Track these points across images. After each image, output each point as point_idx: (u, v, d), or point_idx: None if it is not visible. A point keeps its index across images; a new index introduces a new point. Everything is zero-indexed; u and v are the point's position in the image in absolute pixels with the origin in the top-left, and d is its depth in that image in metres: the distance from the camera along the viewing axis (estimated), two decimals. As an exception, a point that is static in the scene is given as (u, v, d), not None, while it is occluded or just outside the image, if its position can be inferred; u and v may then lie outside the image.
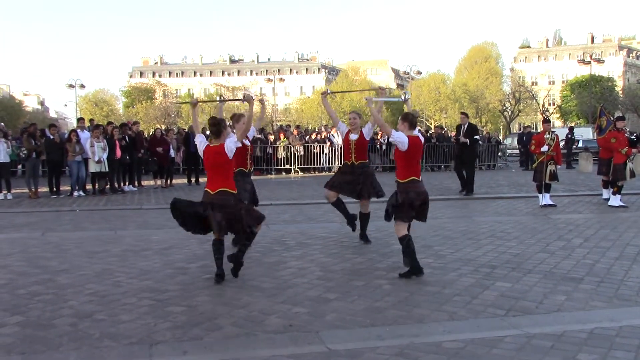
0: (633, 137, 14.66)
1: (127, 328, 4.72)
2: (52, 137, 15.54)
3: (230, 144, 6.09)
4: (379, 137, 23.53)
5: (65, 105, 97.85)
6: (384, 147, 23.67)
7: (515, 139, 32.20)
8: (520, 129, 57.70)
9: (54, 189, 15.19)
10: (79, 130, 16.12)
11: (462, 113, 15.93)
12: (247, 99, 7.13)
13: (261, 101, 8.32)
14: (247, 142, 7.52)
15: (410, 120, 6.46)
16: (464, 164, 14.72)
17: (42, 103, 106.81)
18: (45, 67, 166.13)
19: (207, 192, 6.13)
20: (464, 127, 14.62)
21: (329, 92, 9.08)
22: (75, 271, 6.68)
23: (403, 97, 7.29)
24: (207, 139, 6.42)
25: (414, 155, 6.36)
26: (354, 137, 8.04)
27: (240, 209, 6.15)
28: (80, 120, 18.60)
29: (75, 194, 15.03)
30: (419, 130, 26.49)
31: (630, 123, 62.08)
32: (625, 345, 4.26)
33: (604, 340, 4.37)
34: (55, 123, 19.74)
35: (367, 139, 8.11)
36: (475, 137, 14.75)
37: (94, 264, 7.07)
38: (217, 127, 6.12)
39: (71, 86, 56.69)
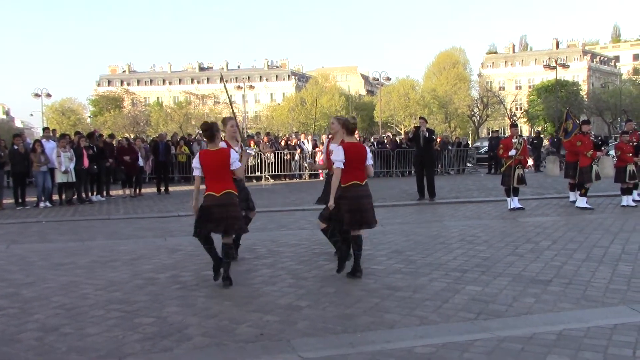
0: (598, 141, 14.87)
1: (95, 341, 4.63)
2: (16, 147, 15.25)
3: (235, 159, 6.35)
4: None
5: (32, 114, 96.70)
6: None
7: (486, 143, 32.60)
8: (488, 134, 58.50)
9: (20, 200, 14.91)
10: (44, 140, 15.84)
11: (420, 118, 15.87)
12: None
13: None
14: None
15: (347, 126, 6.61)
16: (425, 168, 14.79)
17: (7, 113, 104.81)
18: (10, 76, 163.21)
19: (211, 195, 6.20)
20: (424, 132, 14.51)
21: None
22: (41, 284, 6.54)
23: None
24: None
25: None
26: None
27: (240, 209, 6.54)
28: (45, 129, 18.34)
29: (42, 204, 14.76)
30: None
31: (595, 126, 63.44)
32: (594, 346, 4.32)
33: (573, 341, 4.41)
34: (20, 133, 19.36)
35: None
36: (432, 136, 15.00)
37: (60, 276, 6.94)
38: (209, 132, 6.23)
39: (37, 95, 55.83)
